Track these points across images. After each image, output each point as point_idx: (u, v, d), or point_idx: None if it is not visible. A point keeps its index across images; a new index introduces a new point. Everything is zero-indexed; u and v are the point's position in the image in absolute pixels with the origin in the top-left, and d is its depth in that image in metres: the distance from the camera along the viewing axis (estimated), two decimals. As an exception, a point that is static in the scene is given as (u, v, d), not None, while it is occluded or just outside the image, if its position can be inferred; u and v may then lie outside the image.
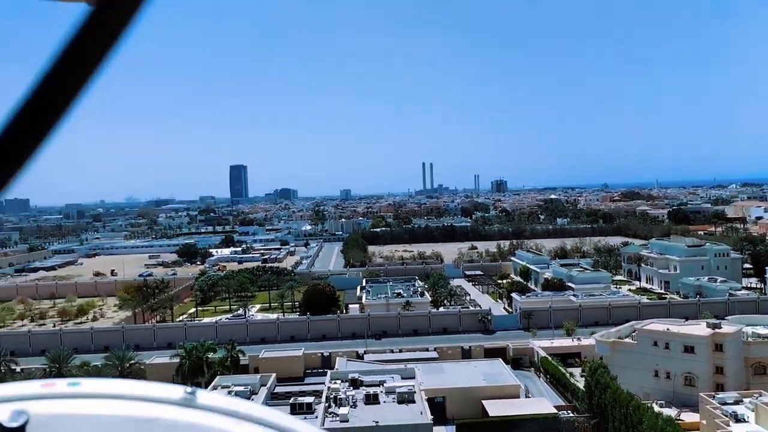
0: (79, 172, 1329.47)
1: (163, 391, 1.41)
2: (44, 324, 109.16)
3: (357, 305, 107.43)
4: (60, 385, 1.37)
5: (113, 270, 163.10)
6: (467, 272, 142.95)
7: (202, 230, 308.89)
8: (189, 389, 1.43)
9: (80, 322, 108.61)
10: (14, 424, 1.19)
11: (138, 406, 1.32)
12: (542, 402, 61.28)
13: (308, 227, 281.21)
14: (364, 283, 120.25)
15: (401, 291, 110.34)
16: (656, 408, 53.60)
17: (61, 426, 1.23)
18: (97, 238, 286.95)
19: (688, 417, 56.36)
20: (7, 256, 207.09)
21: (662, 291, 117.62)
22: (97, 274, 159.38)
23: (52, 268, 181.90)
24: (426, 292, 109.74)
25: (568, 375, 68.66)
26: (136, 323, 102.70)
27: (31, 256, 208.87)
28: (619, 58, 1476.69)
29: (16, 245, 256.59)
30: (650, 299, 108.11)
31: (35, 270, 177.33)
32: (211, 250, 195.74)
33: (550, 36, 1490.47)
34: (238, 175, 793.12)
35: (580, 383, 63.61)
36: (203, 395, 1.43)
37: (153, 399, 1.36)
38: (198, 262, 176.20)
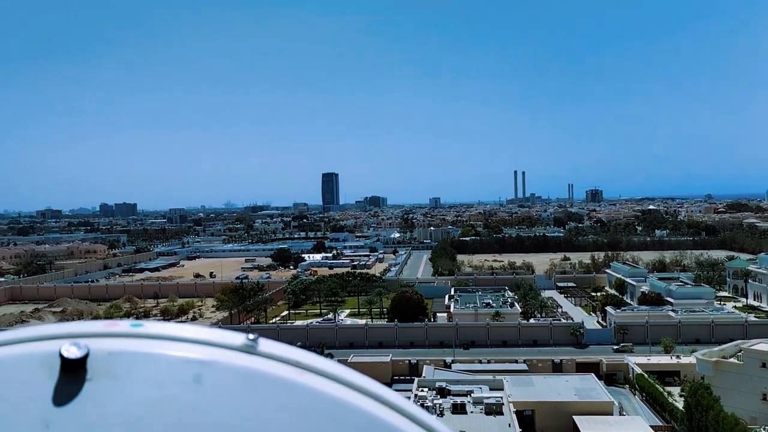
0: (182, 178, 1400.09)
1: (225, 336, 1.41)
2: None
3: (445, 314, 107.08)
4: (123, 325, 1.39)
5: (212, 272, 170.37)
6: (559, 284, 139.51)
7: (295, 236, 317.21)
8: (251, 336, 1.42)
9: (180, 321, 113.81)
10: (74, 357, 1.22)
11: (198, 349, 1.33)
12: (637, 421, 58.82)
13: (397, 235, 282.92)
14: (452, 292, 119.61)
15: (490, 301, 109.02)
16: (763, 434, 50.32)
17: (119, 361, 1.25)
18: (198, 241, 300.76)
19: (800, 445, 52.56)
20: (116, 257, 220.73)
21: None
22: (197, 275, 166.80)
23: (156, 269, 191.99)
24: (516, 303, 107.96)
25: (665, 394, 65.61)
26: (232, 324, 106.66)
27: (137, 258, 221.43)
28: (723, 61, 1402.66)
29: (124, 247, 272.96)
30: (758, 318, 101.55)
31: (141, 271, 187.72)
32: (303, 255, 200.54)
33: (648, 40, 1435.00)
34: (329, 182, 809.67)
35: (679, 403, 60.63)
36: (266, 343, 1.43)
37: (214, 343, 1.37)
38: (291, 267, 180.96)
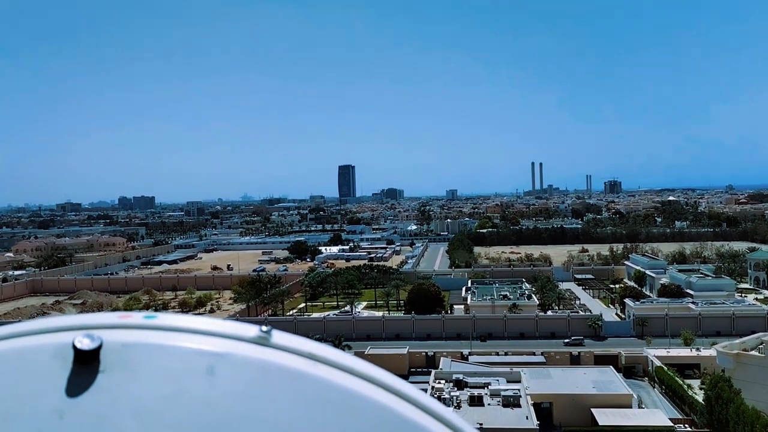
0: (200, 172, 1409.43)
1: (238, 328, 1.41)
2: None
3: (462, 306, 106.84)
4: (136, 317, 1.39)
5: (229, 265, 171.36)
6: (577, 276, 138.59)
7: (312, 228, 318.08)
8: (265, 328, 1.41)
9: (198, 314, 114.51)
10: (87, 348, 1.22)
11: (211, 341, 1.33)
12: (657, 414, 58.33)
13: (414, 227, 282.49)
14: (469, 284, 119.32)
15: (507, 293, 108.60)
16: (786, 427, 49.59)
17: (133, 353, 1.25)
18: (215, 234, 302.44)
19: (823, 439, 51.68)
20: (135, 250, 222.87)
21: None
22: (214, 268, 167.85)
23: (174, 261, 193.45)
24: (533, 295, 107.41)
25: (685, 387, 64.94)
26: (249, 316, 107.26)
27: (155, 250, 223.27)
28: (744, 50, 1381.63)
29: (143, 240, 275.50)
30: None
31: (159, 263, 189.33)
32: (320, 248, 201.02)
33: (667, 31, 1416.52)
34: (346, 174, 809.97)
35: (699, 396, 60.02)
36: (279, 335, 1.42)
37: (227, 335, 1.36)
38: (308, 259, 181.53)
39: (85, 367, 1.21)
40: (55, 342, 1.26)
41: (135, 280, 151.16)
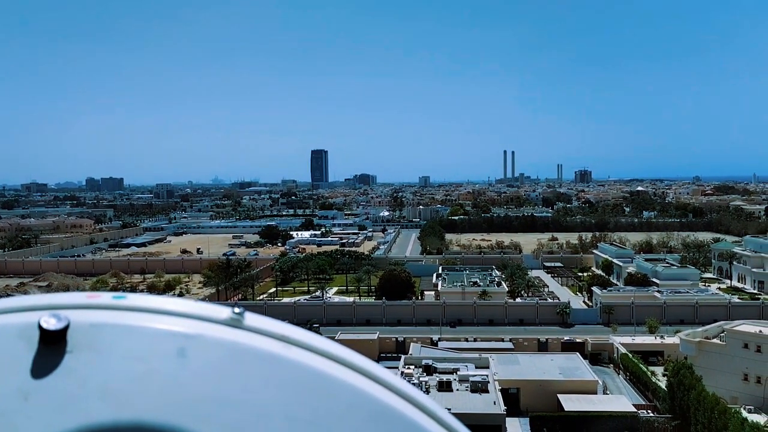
0: (170, 154, 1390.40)
1: (210, 310, 1.38)
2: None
3: (432, 292, 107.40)
4: (105, 297, 1.35)
5: (199, 248, 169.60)
6: (546, 264, 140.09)
7: (284, 213, 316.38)
8: (237, 309, 1.38)
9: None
10: (53, 328, 1.19)
11: (182, 323, 1.29)
12: (621, 400, 59.48)
13: (386, 213, 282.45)
14: (440, 271, 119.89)
15: (477, 280, 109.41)
16: (744, 413, 50.97)
17: (101, 334, 1.22)
18: (185, 217, 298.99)
19: (779, 425, 53.23)
20: (103, 232, 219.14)
21: (756, 291, 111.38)
22: (184, 251, 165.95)
23: (143, 244, 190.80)
24: (503, 282, 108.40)
25: (649, 373, 66.25)
26: (219, 300, 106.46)
27: (124, 233, 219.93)
28: (714, 41, 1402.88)
29: (110, 222, 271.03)
30: (742, 299, 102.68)
31: (127, 246, 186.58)
32: (291, 233, 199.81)
33: (637, 22, 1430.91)
34: (318, 159, 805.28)
35: (662, 383, 61.28)
36: (252, 317, 1.39)
37: (199, 317, 1.33)
38: (279, 244, 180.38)
39: (51, 347, 1.17)
40: (20, 322, 1.22)
41: (102, 263, 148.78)
